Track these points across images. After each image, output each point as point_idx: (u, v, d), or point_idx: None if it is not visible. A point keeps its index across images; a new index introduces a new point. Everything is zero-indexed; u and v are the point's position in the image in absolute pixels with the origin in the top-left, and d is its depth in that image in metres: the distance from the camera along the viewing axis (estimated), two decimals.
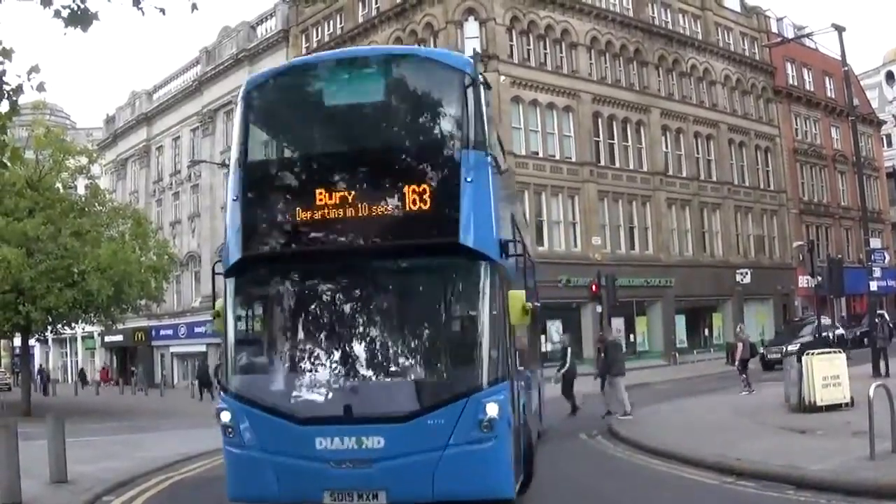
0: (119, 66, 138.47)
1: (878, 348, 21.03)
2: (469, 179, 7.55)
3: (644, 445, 12.87)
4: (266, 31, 44.89)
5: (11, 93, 7.57)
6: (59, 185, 29.45)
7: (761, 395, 19.58)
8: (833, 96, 51.96)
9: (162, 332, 50.10)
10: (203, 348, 46.09)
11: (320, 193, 7.66)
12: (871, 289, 24.66)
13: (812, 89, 51.74)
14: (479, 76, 8.07)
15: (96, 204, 30.90)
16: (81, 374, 53.00)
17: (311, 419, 7.49)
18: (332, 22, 41.62)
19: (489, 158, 7.94)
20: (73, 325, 31.56)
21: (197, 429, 20.43)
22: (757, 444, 11.95)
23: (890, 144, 61.51)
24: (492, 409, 7.30)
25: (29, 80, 7.52)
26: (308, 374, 7.79)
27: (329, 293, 8.04)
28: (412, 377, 7.68)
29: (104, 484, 11.42)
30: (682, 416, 16.75)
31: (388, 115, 8.33)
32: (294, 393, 7.77)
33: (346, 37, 39.35)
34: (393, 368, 7.73)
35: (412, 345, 7.84)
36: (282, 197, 8.01)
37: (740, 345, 22.64)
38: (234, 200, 8.04)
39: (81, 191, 32.55)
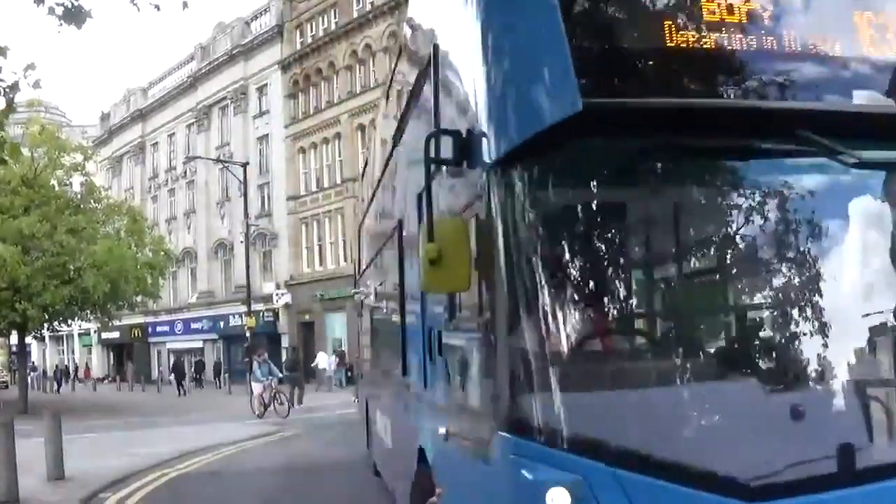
0: (114, 63, 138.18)
1: None
2: None
3: None
4: (260, 26, 44.81)
5: (8, 90, 7.59)
6: (54, 182, 29.43)
7: None
8: None
9: (158, 329, 50.13)
10: (200, 344, 46.15)
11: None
12: None
13: None
14: None
15: (92, 201, 30.88)
16: (65, 372, 52.90)
17: (772, 487, 3.38)
18: (326, 17, 41.52)
19: None
20: (69, 322, 31.63)
21: (192, 425, 20.50)
22: None
23: None
24: None
25: (25, 77, 7.54)
26: (745, 387, 3.72)
27: (775, 205, 3.80)
28: None
29: (101, 480, 11.43)
30: None
31: None
32: (721, 431, 3.59)
33: (340, 31, 39.32)
34: None
35: None
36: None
37: None
38: None
39: (77, 188, 32.51)
